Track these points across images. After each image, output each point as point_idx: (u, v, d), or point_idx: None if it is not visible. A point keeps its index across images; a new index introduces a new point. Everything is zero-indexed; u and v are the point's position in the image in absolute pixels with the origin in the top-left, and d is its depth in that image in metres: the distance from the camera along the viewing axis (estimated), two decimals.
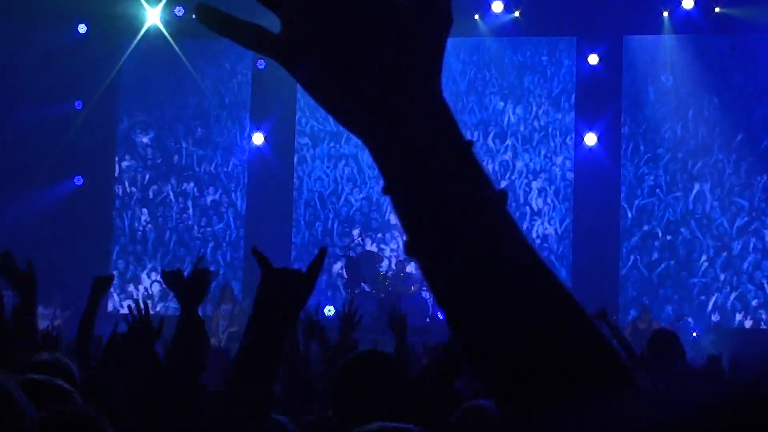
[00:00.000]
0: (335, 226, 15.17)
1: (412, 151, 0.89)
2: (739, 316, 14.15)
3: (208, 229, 16.09)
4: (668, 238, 14.38)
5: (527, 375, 0.87)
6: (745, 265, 14.11)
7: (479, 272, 0.89)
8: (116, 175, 16.58)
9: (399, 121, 0.89)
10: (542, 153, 14.93)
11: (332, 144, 15.67)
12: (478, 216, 0.90)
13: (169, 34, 15.45)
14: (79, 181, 16.19)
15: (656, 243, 14.40)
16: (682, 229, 14.39)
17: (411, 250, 0.93)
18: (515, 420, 0.90)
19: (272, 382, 2.36)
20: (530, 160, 14.82)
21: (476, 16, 14.24)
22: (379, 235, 14.96)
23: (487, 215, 0.90)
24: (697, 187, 14.48)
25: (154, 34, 15.49)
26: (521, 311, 0.88)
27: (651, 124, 14.67)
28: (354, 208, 15.44)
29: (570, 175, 14.75)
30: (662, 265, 14.42)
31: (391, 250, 14.54)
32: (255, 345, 2.32)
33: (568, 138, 14.75)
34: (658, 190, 14.65)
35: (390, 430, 2.15)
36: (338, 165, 15.72)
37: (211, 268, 15.78)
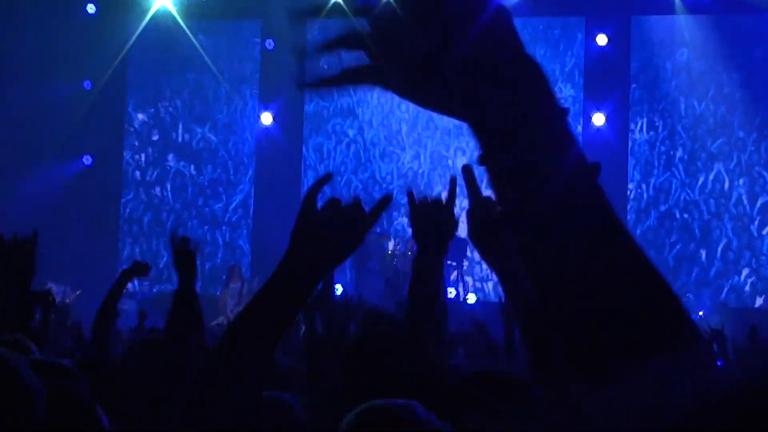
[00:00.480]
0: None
1: (508, 118, 0.94)
2: (759, 300, 14.30)
3: (206, 209, 16.65)
4: (685, 216, 14.60)
5: (608, 335, 0.91)
6: (765, 246, 14.28)
7: (572, 239, 0.93)
8: (124, 154, 16.97)
9: (494, 92, 0.95)
10: None
11: (337, 121, 16.10)
12: (570, 185, 0.93)
13: (178, 13, 15.89)
14: (88, 160, 16.74)
15: (674, 223, 14.60)
16: (701, 209, 14.57)
17: (506, 220, 0.98)
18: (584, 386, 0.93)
19: (291, 324, 2.15)
20: None
21: None
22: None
23: (578, 185, 0.94)
24: (716, 166, 14.68)
25: (162, 15, 15.94)
26: (610, 276, 0.92)
27: (669, 101, 14.97)
28: (359, 188, 15.78)
29: None
30: (678, 246, 14.61)
31: (396, 230, 14.79)
32: (287, 272, 2.01)
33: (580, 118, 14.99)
34: (674, 169, 14.91)
35: (393, 407, 2.10)
36: (342, 143, 16.13)
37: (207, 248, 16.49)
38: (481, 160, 0.99)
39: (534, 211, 0.95)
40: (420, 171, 16.23)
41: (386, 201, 2.14)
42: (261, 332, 2.01)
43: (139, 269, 5.66)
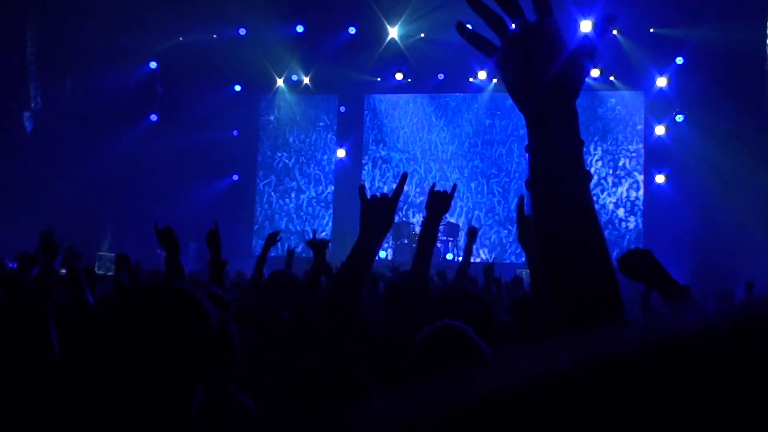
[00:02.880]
0: None
1: (553, 126, 1.34)
2: None
3: (309, 208, 21.61)
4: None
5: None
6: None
7: (564, 209, 1.31)
8: (257, 173, 22.17)
9: (550, 108, 1.34)
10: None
11: (378, 153, 21.67)
12: (574, 172, 1.34)
13: (288, 91, 21.45)
14: (236, 177, 21.92)
15: None
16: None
17: (530, 188, 1.34)
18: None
19: (371, 265, 2.66)
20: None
21: (470, 79, 20.34)
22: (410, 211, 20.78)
23: (578, 174, 1.34)
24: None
25: (279, 91, 21.47)
26: (583, 241, 1.30)
27: (592, 135, 20.09)
28: (389, 194, 20.93)
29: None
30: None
31: (419, 221, 19.41)
32: (361, 245, 2.66)
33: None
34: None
35: (454, 325, 2.40)
36: (382, 166, 21.74)
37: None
38: (527, 149, 1.36)
39: (547, 183, 1.33)
40: (426, 181, 20.25)
41: (404, 178, 2.84)
42: (355, 275, 2.64)
43: (274, 237, 6.42)
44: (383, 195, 2.84)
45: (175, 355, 1.74)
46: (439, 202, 3.95)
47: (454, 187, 4.02)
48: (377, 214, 2.78)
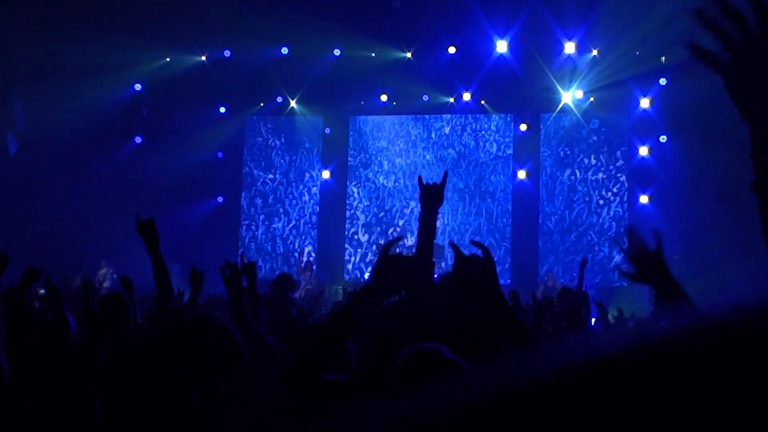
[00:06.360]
0: (369, 225, 21.51)
1: None
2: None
3: (293, 229, 21.83)
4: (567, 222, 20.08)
5: None
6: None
7: None
8: (241, 196, 22.37)
9: None
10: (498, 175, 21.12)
11: (363, 174, 21.75)
12: None
13: (273, 113, 21.82)
14: (220, 199, 22.19)
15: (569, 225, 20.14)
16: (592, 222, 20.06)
17: (757, 190, 1.46)
18: None
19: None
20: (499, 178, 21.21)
21: (451, 99, 20.46)
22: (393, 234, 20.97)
23: None
24: (593, 194, 20.14)
25: (264, 112, 21.88)
26: None
27: (575, 157, 20.61)
28: (373, 215, 21.32)
29: (509, 202, 20.89)
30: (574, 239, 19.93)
31: (404, 244, 20.71)
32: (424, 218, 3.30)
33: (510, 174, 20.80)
34: (570, 194, 20.44)
35: (428, 348, 2.44)
36: (361, 183, 21.78)
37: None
38: (751, 156, 1.49)
39: None
40: (411, 203, 20.73)
41: (445, 175, 3.69)
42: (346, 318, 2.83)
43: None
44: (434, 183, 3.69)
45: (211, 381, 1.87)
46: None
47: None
48: (431, 194, 3.62)
